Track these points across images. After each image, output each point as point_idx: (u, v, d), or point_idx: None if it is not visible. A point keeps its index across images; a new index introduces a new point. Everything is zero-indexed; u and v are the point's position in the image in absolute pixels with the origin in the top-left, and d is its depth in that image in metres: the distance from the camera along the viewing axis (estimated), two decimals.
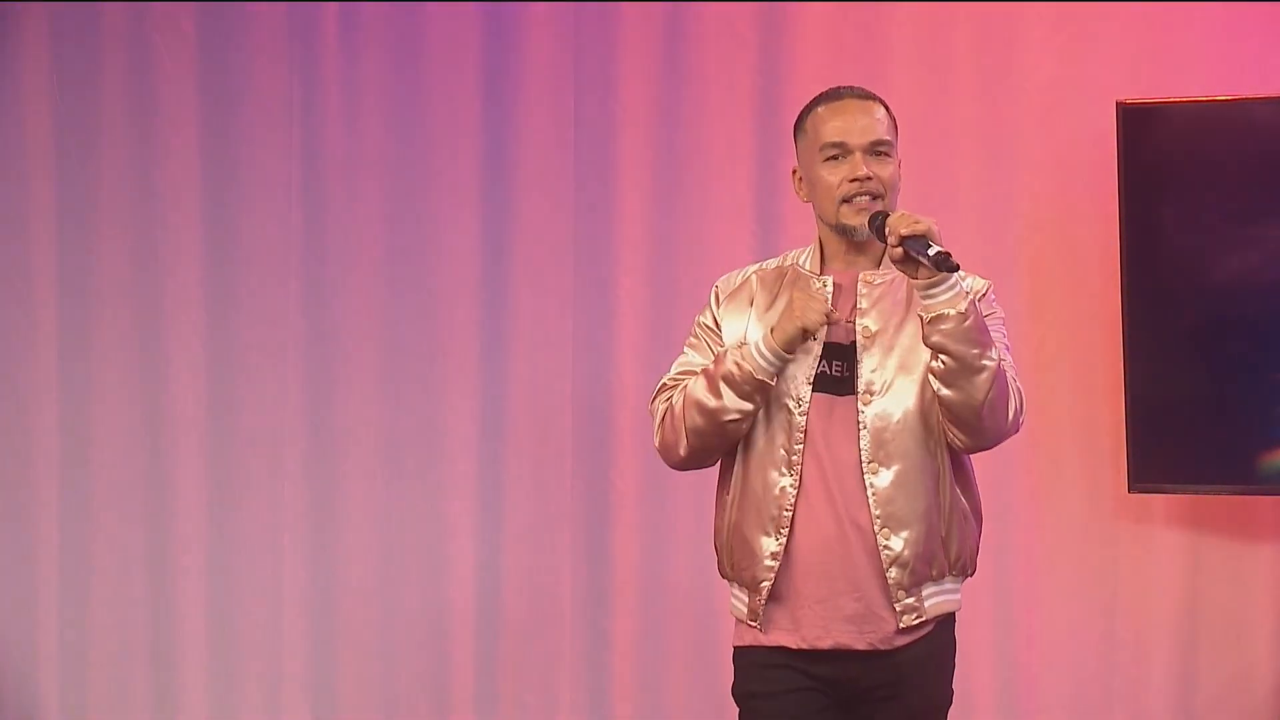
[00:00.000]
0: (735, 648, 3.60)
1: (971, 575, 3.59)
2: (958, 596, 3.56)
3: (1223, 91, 4.93)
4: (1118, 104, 4.91)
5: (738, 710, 3.60)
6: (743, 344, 3.49)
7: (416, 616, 5.37)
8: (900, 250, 3.33)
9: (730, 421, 3.47)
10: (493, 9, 5.35)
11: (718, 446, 3.53)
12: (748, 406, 3.45)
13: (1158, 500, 5.06)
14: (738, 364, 3.44)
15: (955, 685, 3.59)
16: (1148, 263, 4.90)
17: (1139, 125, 4.89)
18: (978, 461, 5.02)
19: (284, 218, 5.42)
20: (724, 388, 3.45)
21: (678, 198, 5.28)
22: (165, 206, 5.43)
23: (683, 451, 3.54)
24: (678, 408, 3.52)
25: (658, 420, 3.58)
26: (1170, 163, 4.91)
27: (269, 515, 5.40)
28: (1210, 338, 4.91)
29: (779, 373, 3.45)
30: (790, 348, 3.43)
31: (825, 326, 3.44)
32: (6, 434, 5.45)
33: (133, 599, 5.43)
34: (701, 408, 3.48)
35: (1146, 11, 5.05)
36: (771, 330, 3.45)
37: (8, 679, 5.44)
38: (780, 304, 3.54)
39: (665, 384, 3.61)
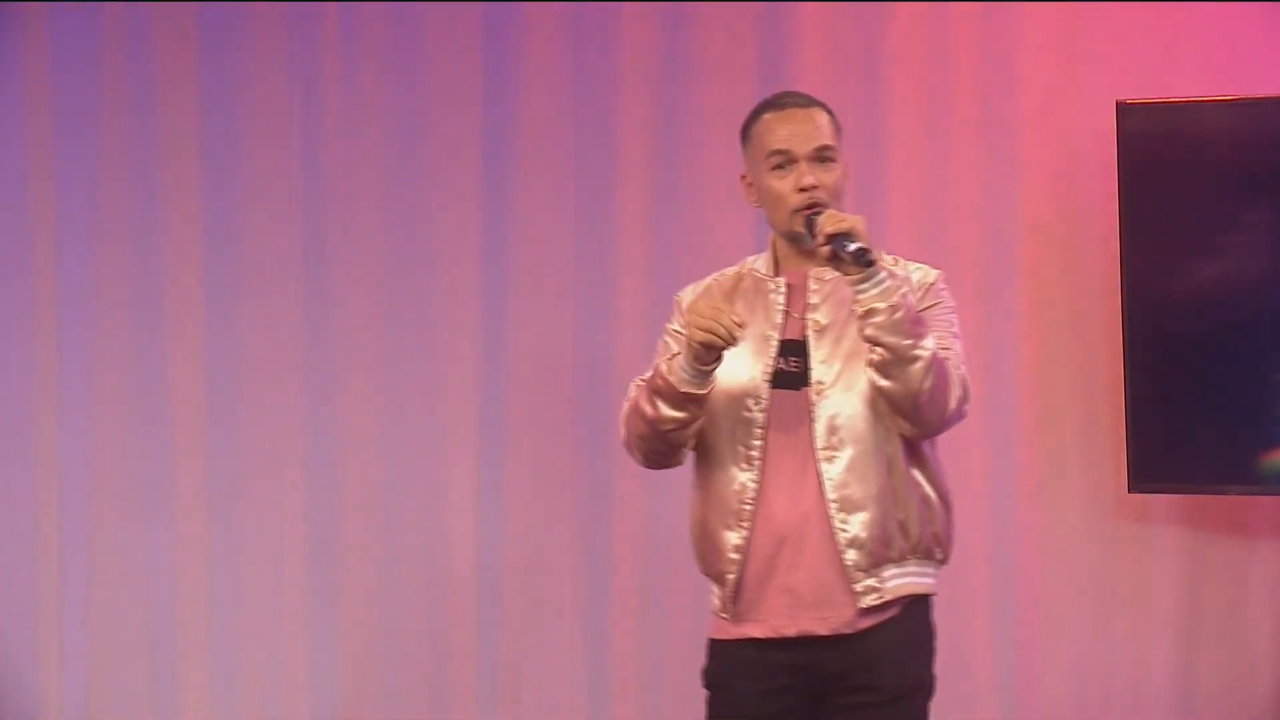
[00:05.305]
0: (709, 639, 3.67)
1: (944, 562, 3.62)
2: (928, 581, 3.60)
3: (1223, 91, 4.94)
4: (1118, 104, 4.91)
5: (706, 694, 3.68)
6: (675, 355, 3.55)
7: (417, 616, 5.37)
8: (828, 248, 3.44)
9: (669, 430, 3.56)
10: (493, 9, 5.35)
11: (666, 452, 3.62)
12: (681, 415, 3.53)
13: (1158, 500, 5.06)
14: (664, 376, 3.51)
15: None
16: (1148, 263, 4.90)
17: (1139, 125, 4.90)
18: (978, 459, 5.07)
19: (284, 218, 5.42)
20: (657, 398, 3.53)
21: (678, 198, 5.28)
22: (165, 206, 5.43)
23: (636, 456, 3.67)
24: (627, 414, 3.64)
25: (620, 425, 3.68)
26: (1170, 163, 4.91)
27: (269, 515, 5.40)
28: (1210, 338, 4.90)
29: (702, 383, 3.49)
30: (702, 360, 3.47)
31: (737, 337, 3.44)
32: (6, 434, 5.44)
33: (133, 599, 5.43)
34: (643, 416, 3.57)
35: (1146, 11, 5.06)
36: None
37: (8, 679, 5.44)
38: (735, 307, 3.59)
39: (630, 391, 3.68)
